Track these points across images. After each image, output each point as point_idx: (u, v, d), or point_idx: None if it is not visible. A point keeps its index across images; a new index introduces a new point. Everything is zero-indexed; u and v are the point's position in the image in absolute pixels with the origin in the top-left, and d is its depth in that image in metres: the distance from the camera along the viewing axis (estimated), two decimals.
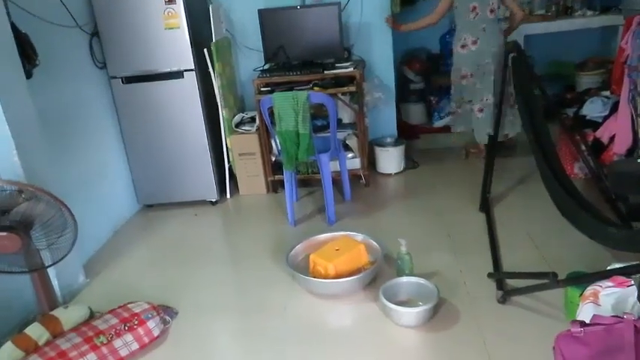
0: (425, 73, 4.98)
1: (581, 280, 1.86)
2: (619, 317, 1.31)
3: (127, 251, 3.19)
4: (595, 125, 3.42)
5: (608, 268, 1.76)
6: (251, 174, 3.78)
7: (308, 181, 3.80)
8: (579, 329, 1.32)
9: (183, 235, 3.37)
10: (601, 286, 1.66)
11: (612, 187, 3.04)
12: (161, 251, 3.20)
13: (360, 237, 2.74)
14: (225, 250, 3.21)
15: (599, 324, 1.32)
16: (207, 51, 3.46)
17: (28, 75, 2.56)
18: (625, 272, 1.51)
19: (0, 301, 2.38)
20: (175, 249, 3.20)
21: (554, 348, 1.34)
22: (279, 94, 2.98)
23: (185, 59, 3.36)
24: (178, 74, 3.39)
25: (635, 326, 1.26)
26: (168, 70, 3.38)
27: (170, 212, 3.68)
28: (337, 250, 2.55)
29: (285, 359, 2.14)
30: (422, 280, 2.36)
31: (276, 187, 3.80)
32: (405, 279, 2.40)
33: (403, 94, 5.08)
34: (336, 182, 3.54)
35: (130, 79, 3.42)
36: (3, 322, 2.37)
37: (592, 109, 3.47)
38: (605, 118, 3.39)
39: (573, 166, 3.56)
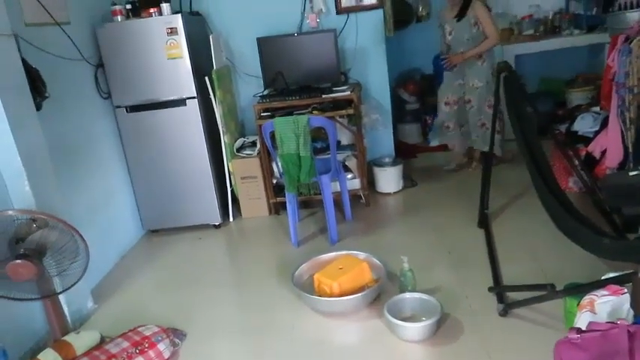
0: (419, 94, 5.12)
1: (578, 290, 1.93)
2: (614, 323, 1.38)
3: (134, 276, 3.24)
4: (587, 140, 3.52)
5: (603, 277, 1.83)
6: (253, 197, 3.85)
7: (309, 202, 3.88)
8: (576, 335, 1.38)
9: (189, 259, 3.43)
10: (597, 295, 1.73)
11: (606, 200, 3.11)
12: (167, 275, 3.25)
13: (362, 255, 2.80)
14: (230, 273, 3.27)
15: (595, 330, 1.39)
16: (209, 79, 3.57)
17: (38, 107, 2.65)
18: (619, 281, 1.58)
19: (12, 327, 2.43)
20: (181, 272, 3.26)
21: (554, 355, 1.40)
22: (280, 118, 3.08)
23: (187, 87, 3.47)
24: (181, 102, 3.49)
25: (628, 331, 1.33)
26: (171, 98, 3.49)
27: (175, 237, 3.74)
28: (341, 268, 2.61)
29: None
30: (425, 296, 2.42)
31: (278, 209, 3.87)
32: (408, 295, 2.46)
33: (399, 114, 5.21)
34: (337, 202, 3.62)
35: (133, 108, 3.52)
36: (15, 349, 2.40)
37: (583, 124, 3.57)
38: (596, 133, 3.50)
39: (567, 180, 3.64)
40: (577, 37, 4.65)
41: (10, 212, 2.13)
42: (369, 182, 3.98)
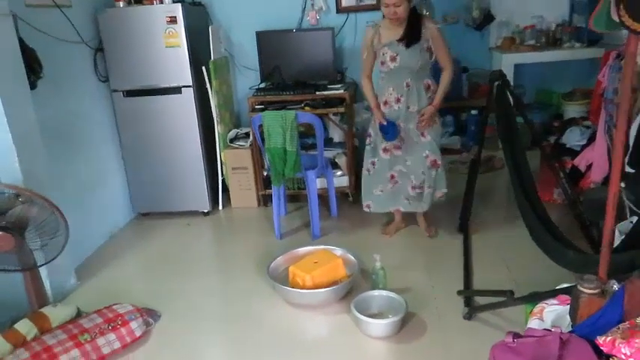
0: None
1: (534, 298, 1.98)
2: (548, 330, 1.43)
3: (120, 257, 3.33)
4: (574, 153, 3.55)
5: (557, 287, 1.88)
6: (243, 187, 3.92)
7: (297, 197, 3.94)
8: (512, 340, 1.44)
9: (175, 244, 3.51)
10: (547, 304, 1.79)
11: (586, 214, 3.16)
12: (152, 258, 3.34)
13: (339, 251, 2.86)
14: (213, 260, 3.35)
15: (531, 336, 1.45)
16: (206, 69, 3.64)
17: (33, 86, 2.73)
18: (567, 291, 1.63)
19: None
20: (166, 257, 3.34)
21: (489, 357, 1.46)
22: (269, 112, 3.14)
23: (184, 76, 3.54)
24: (177, 90, 3.56)
25: (560, 339, 1.38)
26: (167, 85, 3.56)
27: (164, 221, 3.82)
28: (316, 262, 2.67)
29: None
30: (392, 294, 2.48)
31: (266, 200, 3.94)
32: (376, 292, 2.53)
33: None
34: (325, 199, 3.68)
35: (130, 93, 3.60)
36: None
37: (571, 137, 3.61)
38: (584, 146, 3.53)
39: (552, 192, 3.68)
40: (577, 51, 4.65)
41: None
42: (358, 180, 4.02)
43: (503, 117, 3.26)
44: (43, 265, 2.43)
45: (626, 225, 2.71)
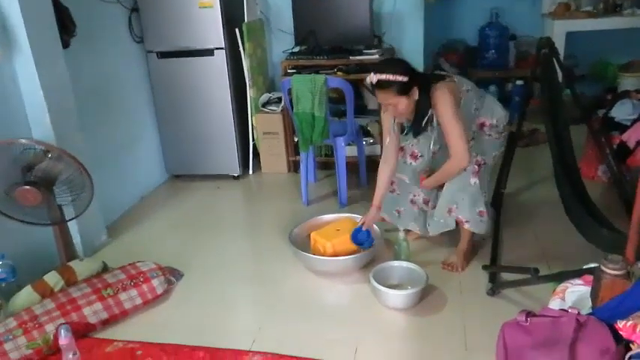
0: (461, 66, 4.94)
1: (558, 277, 1.87)
2: (565, 311, 1.34)
3: (150, 217, 3.40)
4: (623, 128, 3.31)
5: (584, 267, 1.77)
6: (274, 153, 3.90)
7: (328, 164, 3.88)
8: (524, 318, 1.36)
9: (204, 207, 3.55)
10: (571, 284, 1.69)
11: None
12: (181, 220, 3.39)
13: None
14: (239, 223, 3.36)
15: (546, 316, 1.36)
16: (239, 31, 3.59)
17: (66, 45, 2.76)
18: (593, 272, 1.52)
19: (29, 251, 2.62)
20: (194, 219, 3.39)
21: (498, 334, 1.39)
22: (298, 76, 3.08)
23: (216, 38, 3.50)
24: (209, 52, 3.54)
25: (577, 320, 1.29)
26: (200, 47, 3.54)
27: (196, 183, 3.87)
28: (338, 230, 2.64)
29: (273, 326, 2.27)
30: (412, 266, 2.42)
31: (296, 166, 3.91)
32: (396, 263, 2.47)
33: None
34: (356, 166, 3.62)
35: (164, 54, 3.60)
36: (29, 270, 2.59)
37: (621, 111, 3.36)
38: (634, 121, 3.28)
39: (597, 169, 3.46)
40: (638, 18, 4.31)
41: (23, 141, 2.26)
42: None
43: (548, 88, 3.08)
44: (70, 220, 2.50)
45: None
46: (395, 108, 2.29)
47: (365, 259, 2.58)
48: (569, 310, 1.32)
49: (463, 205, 2.40)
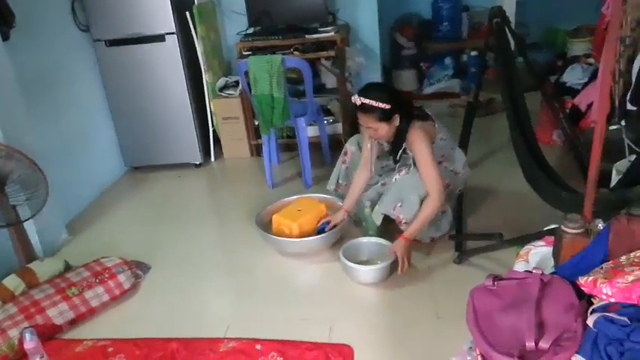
0: (416, 39, 4.96)
1: (522, 240, 1.92)
2: (529, 272, 1.38)
3: (111, 211, 3.31)
4: (575, 92, 3.41)
5: (545, 229, 1.82)
6: (235, 137, 3.84)
7: (291, 146, 3.85)
8: (491, 282, 1.39)
9: (167, 196, 3.48)
10: (534, 246, 1.74)
11: (585, 154, 3.06)
12: (144, 211, 3.31)
13: (329, 199, 2.80)
14: (203, 211, 3.31)
15: (512, 278, 1.40)
16: (190, 14, 3.48)
17: (5, 37, 2.62)
18: (554, 232, 1.57)
19: None
20: (157, 209, 3.32)
21: (467, 300, 1.41)
22: (254, 57, 3.02)
23: (167, 22, 3.39)
24: (160, 38, 3.43)
25: (541, 280, 1.33)
26: (150, 33, 3.42)
27: (156, 174, 3.78)
28: (299, 210, 2.63)
29: (246, 312, 2.26)
30: (381, 240, 2.44)
31: (259, 150, 3.86)
32: (365, 239, 2.49)
33: (395, 60, 5.08)
34: (318, 146, 3.60)
35: (113, 42, 3.47)
36: None
37: (572, 75, 3.46)
38: (585, 85, 3.38)
39: (552, 133, 3.57)
40: None
41: None
42: (354, 127, 3.92)
43: (502, 57, 3.12)
44: (26, 220, 2.40)
45: (624, 164, 2.62)
46: (375, 132, 2.33)
47: (334, 238, 2.58)
48: (534, 271, 1.36)
49: (408, 204, 2.36)
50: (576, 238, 1.36)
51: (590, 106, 3.30)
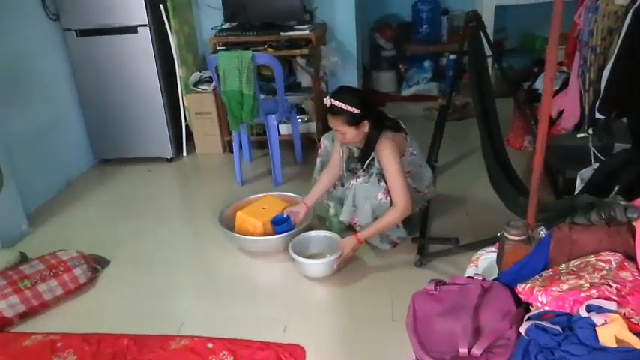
0: (396, 41, 4.96)
1: (476, 245, 1.92)
2: (471, 278, 1.37)
3: (77, 203, 3.25)
4: None
5: (497, 234, 1.82)
6: (208, 133, 3.81)
7: (265, 144, 3.81)
8: (433, 287, 1.38)
9: (135, 191, 3.43)
10: (485, 251, 1.73)
11: (553, 161, 3.08)
12: (110, 205, 3.27)
13: (298, 198, 2.78)
14: (171, 207, 3.27)
15: (455, 284, 1.39)
16: (164, 7, 3.44)
17: None
18: None
19: None
20: (124, 204, 3.27)
21: (409, 304, 1.41)
22: (224, 53, 2.99)
23: (139, 14, 3.34)
24: (132, 29, 3.38)
25: (482, 286, 1.33)
26: (122, 24, 3.37)
27: (125, 168, 3.73)
28: (264, 208, 2.61)
29: (202, 309, 2.24)
30: (330, 234, 2.47)
31: (232, 147, 3.82)
32: (314, 233, 2.50)
33: (374, 61, 5.08)
34: (291, 144, 3.58)
35: (84, 32, 3.41)
36: None
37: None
38: (556, 92, 3.40)
39: (524, 139, 3.58)
40: None
41: None
42: (326, 126, 3.91)
43: (475, 61, 3.13)
44: None
45: (587, 172, 2.64)
46: (342, 135, 2.32)
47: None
48: (475, 277, 1.36)
49: (362, 211, 2.37)
50: (518, 245, 1.36)
51: (560, 113, 3.33)
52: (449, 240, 2.11)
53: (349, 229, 2.55)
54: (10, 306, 2.15)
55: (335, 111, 2.28)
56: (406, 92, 4.87)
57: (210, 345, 1.99)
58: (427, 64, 4.90)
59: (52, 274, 2.30)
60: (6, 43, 2.94)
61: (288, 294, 2.31)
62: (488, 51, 3.15)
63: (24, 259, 2.47)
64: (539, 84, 3.52)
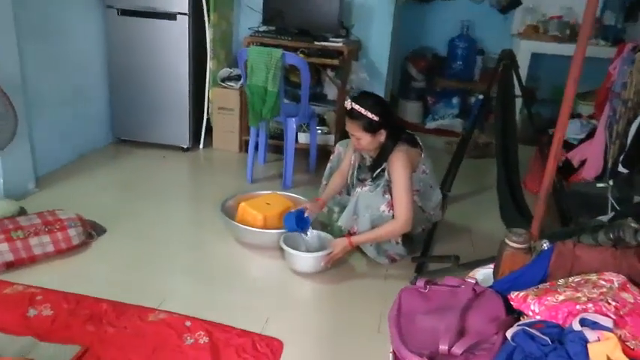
0: (428, 73, 4.97)
1: (476, 264, 1.85)
2: (464, 281, 1.31)
3: (86, 175, 3.26)
4: (570, 146, 3.37)
5: None
6: (227, 129, 3.82)
7: (281, 149, 3.80)
8: (423, 285, 1.32)
9: (146, 173, 3.43)
10: (483, 267, 1.67)
11: (567, 205, 3.00)
12: (118, 182, 3.27)
13: (302, 200, 2.74)
14: (177, 193, 3.25)
15: (446, 285, 1.33)
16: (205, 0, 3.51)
17: None
18: None
19: None
20: (132, 183, 3.27)
21: (395, 298, 1.35)
22: (255, 48, 3.02)
23: (181, 2, 3.41)
24: (172, 16, 3.45)
25: (474, 289, 1.26)
26: (163, 9, 3.44)
27: (141, 150, 3.74)
28: (268, 204, 2.59)
29: (186, 289, 2.20)
30: (322, 233, 2.45)
31: (248, 145, 3.83)
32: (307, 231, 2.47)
33: (404, 90, 5.09)
34: (307, 152, 3.57)
35: (125, 12, 3.49)
36: None
37: (570, 129, 3.42)
38: (581, 141, 3.35)
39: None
40: (601, 49, 4.41)
41: None
42: (343, 136, 3.89)
43: (503, 98, 3.10)
44: None
45: (603, 220, 2.56)
46: (357, 141, 2.31)
47: None
48: (468, 280, 1.29)
49: (362, 221, 2.32)
50: (517, 253, 1.29)
51: (583, 162, 3.26)
52: (448, 258, 2.05)
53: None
54: None
55: (354, 115, 2.26)
56: (430, 125, 4.85)
57: (188, 323, 1.93)
58: (455, 100, 4.89)
59: (46, 230, 2.28)
60: (50, 6, 3.02)
61: (275, 288, 2.26)
62: (517, 92, 3.13)
63: (22, 212, 2.46)
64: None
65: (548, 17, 4.70)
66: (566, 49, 4.50)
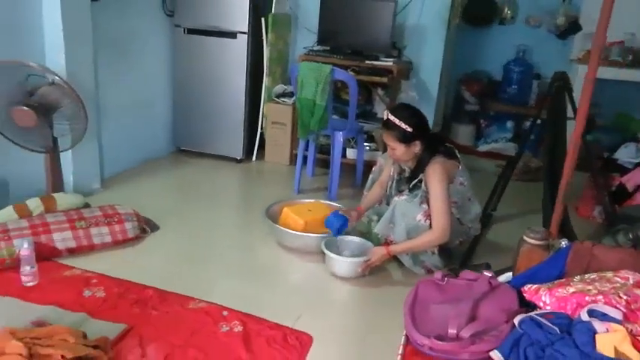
0: (481, 97, 4.96)
1: (506, 270, 1.85)
2: (480, 275, 1.34)
3: (147, 179, 3.50)
4: (624, 170, 3.27)
5: None
6: (279, 143, 3.99)
7: (329, 164, 3.92)
8: (441, 277, 1.37)
9: (201, 180, 3.64)
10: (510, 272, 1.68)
11: (616, 223, 2.90)
12: (176, 187, 3.50)
13: (339, 207, 2.82)
14: (228, 198, 3.43)
15: (464, 278, 1.37)
16: (265, 20, 3.73)
17: None
18: None
19: (24, 179, 2.75)
20: (188, 188, 3.49)
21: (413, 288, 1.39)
22: (306, 63, 3.17)
23: (242, 22, 3.65)
24: (233, 35, 3.69)
25: (489, 282, 1.29)
26: (225, 29, 3.69)
27: (198, 160, 3.97)
28: (310, 210, 2.68)
29: (228, 284, 2.32)
30: (364, 240, 2.51)
31: None
32: (348, 238, 2.54)
33: (457, 113, 5.11)
34: (354, 168, 3.66)
35: (191, 31, 3.77)
36: (20, 194, 2.70)
37: (625, 153, 3.33)
38: (637, 165, 3.24)
39: (593, 209, 3.40)
40: None
41: (31, 64, 2.41)
42: None
43: (555, 121, 3.08)
44: (62, 151, 2.63)
45: None
46: (392, 151, 2.41)
47: None
48: (485, 273, 1.33)
49: (398, 230, 2.36)
50: (534, 249, 1.31)
51: (639, 187, 3.15)
52: (480, 266, 2.05)
53: None
54: (63, 239, 2.36)
55: (389, 125, 2.35)
56: (482, 148, 4.82)
57: (225, 313, 2.04)
58: (509, 124, 4.85)
59: (106, 221, 2.49)
60: (126, 23, 3.34)
61: (311, 289, 2.35)
62: (570, 114, 3.09)
63: (86, 206, 2.70)
64: (620, 154, 3.37)
65: (607, 43, 4.59)
66: (627, 74, 4.39)
